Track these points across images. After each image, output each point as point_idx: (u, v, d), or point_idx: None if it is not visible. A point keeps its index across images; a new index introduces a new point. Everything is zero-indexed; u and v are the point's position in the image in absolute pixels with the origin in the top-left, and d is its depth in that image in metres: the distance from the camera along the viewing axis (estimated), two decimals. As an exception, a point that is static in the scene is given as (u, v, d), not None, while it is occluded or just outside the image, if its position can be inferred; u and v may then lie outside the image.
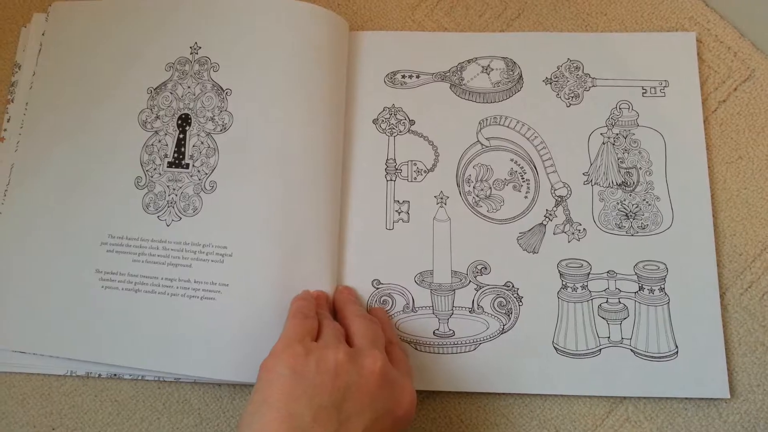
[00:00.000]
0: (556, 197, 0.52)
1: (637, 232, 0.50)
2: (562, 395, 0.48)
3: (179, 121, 0.52)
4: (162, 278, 0.49)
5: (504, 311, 0.49)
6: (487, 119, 0.53)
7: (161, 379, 0.49)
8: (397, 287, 0.50)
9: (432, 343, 0.49)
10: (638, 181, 0.52)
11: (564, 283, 0.50)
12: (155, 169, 0.51)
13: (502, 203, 0.52)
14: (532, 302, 0.49)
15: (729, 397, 0.47)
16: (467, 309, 0.50)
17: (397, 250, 0.51)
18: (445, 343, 0.49)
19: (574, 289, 0.49)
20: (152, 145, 0.52)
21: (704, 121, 0.53)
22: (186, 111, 0.52)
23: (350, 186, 0.52)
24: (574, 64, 0.54)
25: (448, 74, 0.55)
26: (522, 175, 0.52)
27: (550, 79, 0.54)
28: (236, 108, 0.51)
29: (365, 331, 0.42)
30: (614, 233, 0.51)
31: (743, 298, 0.49)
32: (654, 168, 0.52)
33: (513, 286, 0.50)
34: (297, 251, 0.48)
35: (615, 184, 0.52)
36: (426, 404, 0.49)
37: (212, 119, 0.51)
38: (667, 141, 0.52)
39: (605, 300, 0.49)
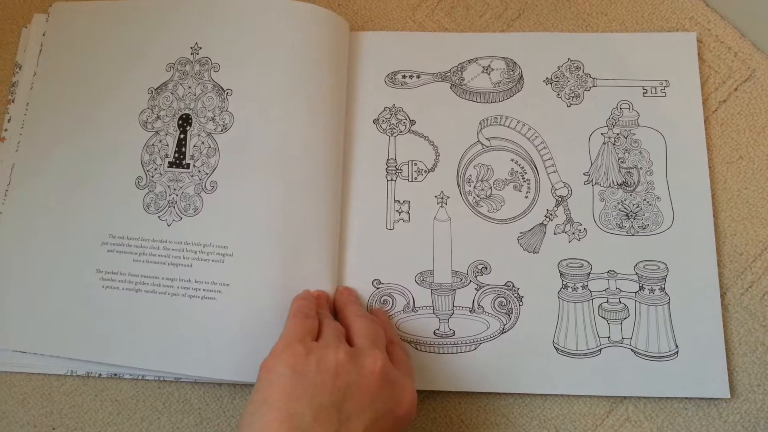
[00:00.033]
0: (557, 197, 0.52)
1: (638, 232, 0.50)
2: (562, 395, 0.48)
3: (180, 121, 0.52)
4: (162, 278, 0.49)
5: (504, 311, 0.49)
6: (487, 119, 0.53)
7: (161, 378, 0.49)
8: (398, 287, 0.50)
9: (432, 342, 0.49)
10: (639, 181, 0.52)
11: (564, 282, 0.50)
12: (156, 169, 0.51)
13: (502, 203, 0.52)
14: (533, 302, 0.49)
15: (729, 397, 0.47)
16: (468, 309, 0.50)
17: (398, 250, 0.51)
18: (445, 342, 0.49)
19: (575, 289, 0.49)
20: (153, 145, 0.52)
21: (705, 121, 0.53)
22: (187, 111, 0.52)
23: (351, 186, 0.52)
24: (575, 64, 0.54)
25: (448, 74, 0.55)
26: (522, 175, 0.52)
27: (551, 79, 0.54)
28: (237, 108, 0.51)
29: (366, 331, 0.42)
30: (615, 233, 0.51)
31: (744, 298, 0.49)
32: (654, 168, 0.52)
33: (513, 286, 0.50)
34: (297, 251, 0.48)
35: (615, 184, 0.52)
36: (426, 404, 0.49)
37: (213, 119, 0.51)
38: (668, 141, 0.52)
39: (606, 300, 0.49)
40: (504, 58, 0.55)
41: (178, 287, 0.48)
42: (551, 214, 0.51)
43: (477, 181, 0.52)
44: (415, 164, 0.53)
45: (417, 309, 0.50)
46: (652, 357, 0.48)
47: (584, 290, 0.49)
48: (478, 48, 0.55)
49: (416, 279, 0.50)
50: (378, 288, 0.50)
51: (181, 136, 0.52)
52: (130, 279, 0.49)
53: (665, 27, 0.55)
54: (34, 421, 0.49)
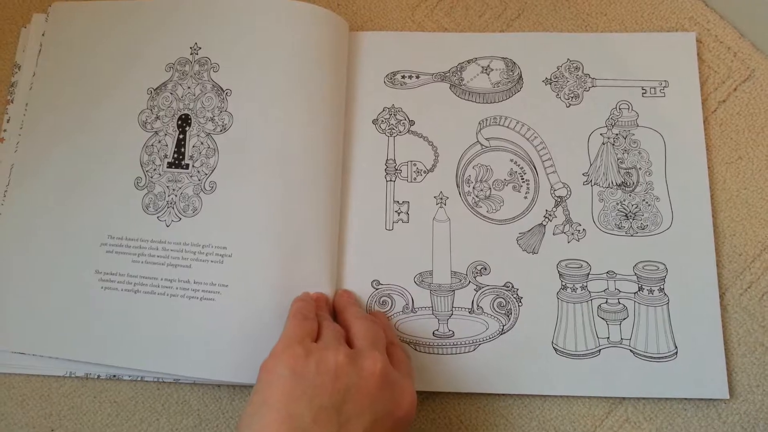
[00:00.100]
0: (556, 197, 0.52)
1: (637, 233, 0.50)
2: (561, 396, 0.48)
3: (179, 122, 0.52)
4: (161, 279, 0.48)
5: (503, 312, 0.49)
6: (486, 119, 0.53)
7: (160, 380, 0.49)
8: (397, 288, 0.50)
9: (431, 343, 0.49)
10: (638, 182, 0.52)
11: (563, 283, 0.50)
12: (155, 169, 0.51)
13: (501, 204, 0.52)
14: (532, 303, 0.49)
15: (728, 397, 0.47)
16: (467, 309, 0.50)
17: (397, 250, 0.51)
18: (444, 343, 0.49)
19: (574, 290, 0.49)
20: (152, 145, 0.52)
21: (704, 122, 0.53)
22: (186, 111, 0.52)
23: (350, 186, 0.52)
24: (574, 65, 0.54)
25: (447, 74, 0.55)
26: (522, 176, 0.52)
27: (550, 79, 0.54)
28: (236, 108, 0.51)
29: (366, 333, 0.42)
30: (614, 233, 0.51)
31: (743, 298, 0.49)
32: (654, 168, 0.52)
33: (512, 287, 0.50)
34: (297, 252, 0.48)
35: (615, 184, 0.52)
36: (425, 405, 0.49)
37: (212, 119, 0.51)
38: (667, 141, 0.52)
39: (605, 300, 0.49)
40: (503, 59, 0.55)
41: (177, 288, 0.48)
42: (550, 215, 0.51)
43: (476, 182, 0.52)
44: (415, 165, 0.53)
45: (416, 310, 0.50)
46: (651, 358, 0.48)
47: (583, 291, 0.49)
48: (477, 48, 0.55)
49: (415, 280, 0.50)
50: (377, 289, 0.50)
51: (181, 136, 0.52)
52: (129, 280, 0.49)
53: (664, 27, 0.55)
54: (33, 423, 0.49)
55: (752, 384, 0.48)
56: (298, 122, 0.50)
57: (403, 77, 0.55)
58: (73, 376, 0.49)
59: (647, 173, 0.52)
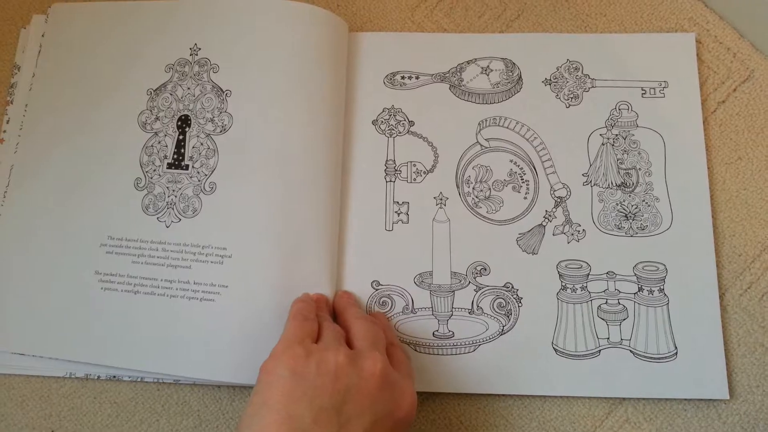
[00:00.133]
0: (556, 198, 0.52)
1: (637, 233, 0.50)
2: (561, 396, 0.48)
3: (179, 123, 0.52)
4: (161, 280, 0.48)
5: (503, 312, 0.49)
6: (486, 120, 0.53)
7: (160, 380, 0.49)
8: (397, 288, 0.50)
9: (431, 344, 0.49)
10: (638, 182, 0.52)
11: (563, 284, 0.50)
12: (155, 170, 0.51)
13: (501, 204, 0.52)
14: (532, 303, 0.49)
15: (728, 398, 0.47)
16: (467, 310, 0.50)
17: (397, 251, 0.51)
18: (444, 344, 0.49)
19: (574, 290, 0.49)
20: (152, 146, 0.52)
21: (703, 122, 0.53)
22: (186, 112, 0.52)
23: (350, 187, 0.52)
24: (574, 65, 0.54)
25: (447, 75, 0.55)
26: (521, 176, 0.52)
27: (550, 80, 0.54)
28: (236, 109, 0.51)
29: (366, 333, 0.42)
30: (614, 234, 0.51)
31: (743, 299, 0.49)
32: (653, 169, 0.52)
33: (512, 287, 0.50)
34: (297, 252, 0.48)
35: (614, 184, 0.52)
36: (425, 405, 0.49)
37: (212, 120, 0.51)
38: (667, 142, 0.52)
39: (605, 301, 0.49)
40: (503, 59, 0.55)
41: (176, 289, 0.48)
42: (550, 215, 0.51)
43: (476, 182, 0.52)
44: (414, 165, 0.53)
45: (416, 310, 0.50)
46: (651, 358, 0.48)
47: (583, 291, 0.49)
48: (477, 49, 0.55)
49: (415, 280, 0.50)
50: (377, 289, 0.50)
51: (180, 137, 0.52)
52: (129, 281, 0.49)
53: (664, 28, 0.55)
54: (33, 424, 0.49)
55: (752, 384, 0.48)
56: (297, 123, 0.50)
57: (402, 78, 0.55)
58: (73, 376, 0.49)
59: (647, 174, 0.52)
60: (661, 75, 0.54)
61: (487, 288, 0.50)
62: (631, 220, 0.51)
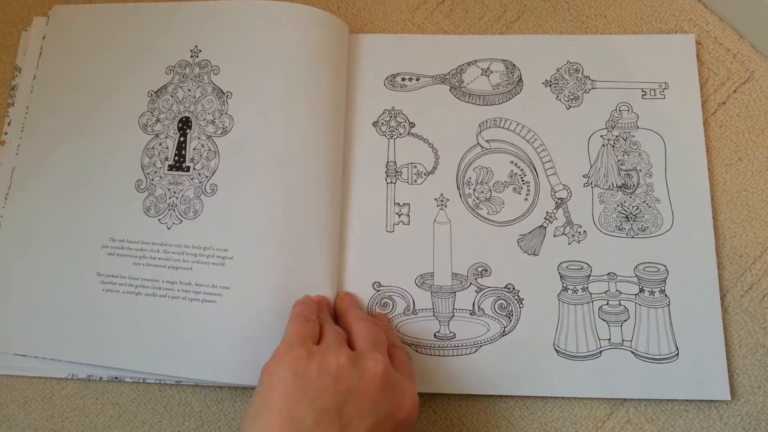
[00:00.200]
0: (556, 199, 0.52)
1: (638, 234, 0.50)
2: (562, 397, 0.48)
3: (180, 124, 0.52)
4: (163, 281, 0.49)
5: (505, 313, 0.49)
6: (487, 121, 0.54)
7: (162, 381, 0.49)
8: (398, 290, 0.50)
9: (433, 345, 0.49)
10: (638, 183, 0.52)
11: (564, 285, 0.50)
12: (156, 172, 0.51)
13: (502, 205, 0.52)
14: (533, 304, 0.49)
15: (730, 399, 0.47)
16: (468, 311, 0.50)
17: (398, 252, 0.51)
18: (445, 345, 0.49)
19: (575, 291, 0.50)
20: (153, 148, 0.52)
21: (704, 123, 0.53)
22: (186, 114, 0.52)
23: (351, 188, 0.52)
24: (574, 67, 0.54)
25: (447, 77, 0.55)
26: (522, 178, 0.52)
27: (550, 81, 0.54)
28: (237, 111, 0.51)
29: (367, 334, 0.42)
30: (614, 235, 0.51)
31: (744, 299, 0.49)
32: (654, 170, 0.52)
33: (513, 288, 0.50)
34: (298, 254, 0.48)
35: (615, 186, 0.52)
36: (427, 406, 0.49)
37: (213, 122, 0.52)
38: (667, 143, 0.52)
39: (606, 302, 0.49)
40: (503, 61, 0.55)
41: (178, 290, 0.48)
42: (551, 217, 0.51)
43: (477, 184, 0.52)
44: (415, 167, 0.53)
45: (417, 311, 0.50)
46: (653, 359, 0.48)
47: (584, 292, 0.50)
48: (477, 50, 0.55)
49: (416, 281, 0.50)
50: (378, 291, 0.50)
51: (181, 139, 0.52)
52: (131, 282, 0.49)
53: (664, 29, 0.56)
54: (36, 425, 0.49)
55: (753, 385, 0.48)
56: (298, 125, 0.50)
57: (403, 79, 0.55)
58: (75, 378, 0.49)
59: (647, 175, 0.52)
60: (661, 76, 0.54)
61: (488, 289, 0.50)
62: (631, 222, 0.51)
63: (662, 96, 0.53)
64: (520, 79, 0.54)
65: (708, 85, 0.54)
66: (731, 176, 0.52)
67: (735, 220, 0.51)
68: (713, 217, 0.51)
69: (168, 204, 0.50)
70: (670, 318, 0.49)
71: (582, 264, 0.50)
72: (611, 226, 0.51)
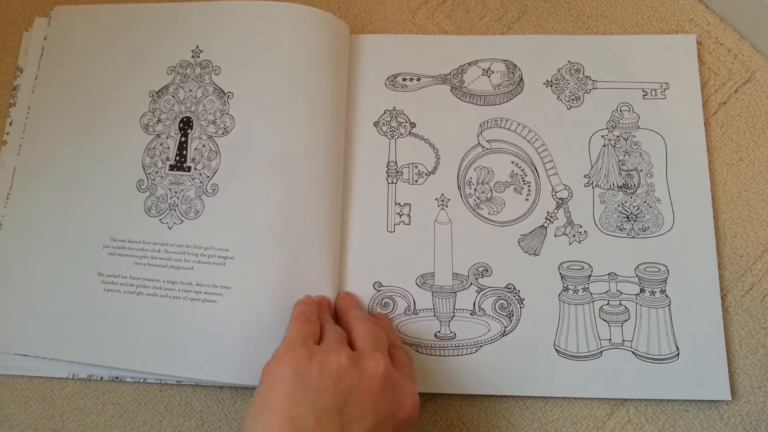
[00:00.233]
0: (557, 199, 0.52)
1: (638, 234, 0.50)
2: (563, 397, 0.48)
3: (181, 125, 0.52)
4: (164, 281, 0.49)
5: (505, 313, 0.49)
6: (487, 122, 0.54)
7: (163, 381, 0.49)
8: (399, 290, 0.50)
9: (433, 345, 0.49)
10: (639, 183, 0.52)
11: (565, 285, 0.50)
12: (157, 172, 0.51)
13: (503, 205, 0.52)
14: (534, 304, 0.49)
15: (730, 399, 0.47)
16: (468, 311, 0.50)
17: (399, 252, 0.51)
18: (446, 345, 0.49)
19: (575, 291, 0.50)
20: (154, 148, 0.52)
21: (705, 123, 0.53)
22: (188, 114, 0.52)
23: (351, 189, 0.52)
24: (575, 67, 0.54)
25: (448, 77, 0.55)
26: (523, 178, 0.52)
27: (551, 81, 0.54)
28: (238, 111, 0.51)
29: (368, 334, 0.42)
30: (615, 235, 0.51)
31: (744, 300, 0.49)
32: (655, 170, 0.52)
33: (514, 288, 0.50)
34: (298, 254, 0.48)
35: (616, 186, 0.52)
36: (427, 406, 0.49)
37: (214, 122, 0.52)
38: (668, 143, 0.52)
39: (606, 302, 0.49)
40: (504, 61, 0.55)
41: (179, 290, 0.48)
42: (552, 217, 0.51)
43: (477, 184, 0.52)
44: (416, 167, 0.53)
45: (418, 312, 0.50)
46: (653, 359, 0.48)
47: (585, 292, 0.50)
48: (478, 50, 0.55)
49: (417, 281, 0.50)
50: (379, 291, 0.50)
51: (182, 139, 0.52)
52: (132, 282, 0.49)
53: (665, 29, 0.56)
54: (36, 425, 0.49)
55: (754, 385, 0.48)
56: (299, 125, 0.50)
57: (404, 80, 0.55)
58: (75, 377, 0.49)
59: (648, 175, 0.52)
60: (662, 76, 0.54)
61: (489, 289, 0.50)
62: (632, 222, 0.51)
63: (663, 96, 0.53)
64: (521, 79, 0.54)
65: (709, 85, 0.54)
66: (732, 176, 0.52)
67: (736, 220, 0.51)
68: (714, 217, 0.51)
69: (169, 204, 0.50)
70: (671, 318, 0.49)
71: (583, 264, 0.50)
72: (612, 226, 0.51)
